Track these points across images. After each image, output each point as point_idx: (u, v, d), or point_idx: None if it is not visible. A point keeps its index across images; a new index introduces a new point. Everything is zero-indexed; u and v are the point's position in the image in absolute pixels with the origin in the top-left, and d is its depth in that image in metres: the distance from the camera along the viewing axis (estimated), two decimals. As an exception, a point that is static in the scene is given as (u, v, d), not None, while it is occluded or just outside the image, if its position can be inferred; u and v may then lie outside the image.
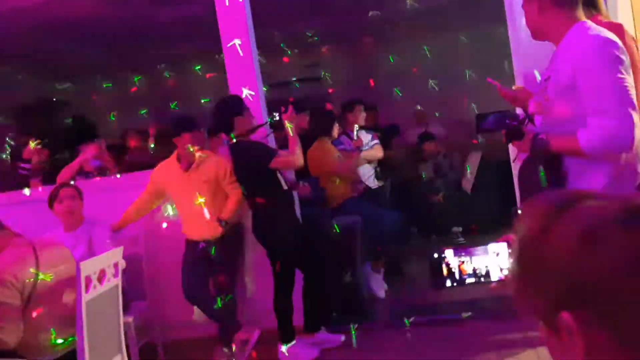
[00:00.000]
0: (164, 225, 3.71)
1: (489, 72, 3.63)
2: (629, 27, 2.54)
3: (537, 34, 1.98)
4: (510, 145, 2.06)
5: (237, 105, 3.23)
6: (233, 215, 3.37)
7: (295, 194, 3.45)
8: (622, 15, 2.76)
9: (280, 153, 3.15)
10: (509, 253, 1.02)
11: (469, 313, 3.35)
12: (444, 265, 0.93)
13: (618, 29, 2.06)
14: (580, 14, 1.92)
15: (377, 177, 4.49)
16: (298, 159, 3.15)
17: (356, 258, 3.83)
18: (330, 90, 7.26)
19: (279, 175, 3.21)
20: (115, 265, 2.79)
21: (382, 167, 4.59)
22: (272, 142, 3.51)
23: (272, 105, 7.78)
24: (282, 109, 3.22)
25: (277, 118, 3.22)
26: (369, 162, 4.48)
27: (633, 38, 2.18)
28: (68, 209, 3.31)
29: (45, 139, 4.38)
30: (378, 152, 4.50)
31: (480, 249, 0.96)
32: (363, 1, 6.08)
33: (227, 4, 3.59)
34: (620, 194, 0.73)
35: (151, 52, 6.51)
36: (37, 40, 5.52)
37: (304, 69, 7.68)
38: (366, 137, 4.55)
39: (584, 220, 0.64)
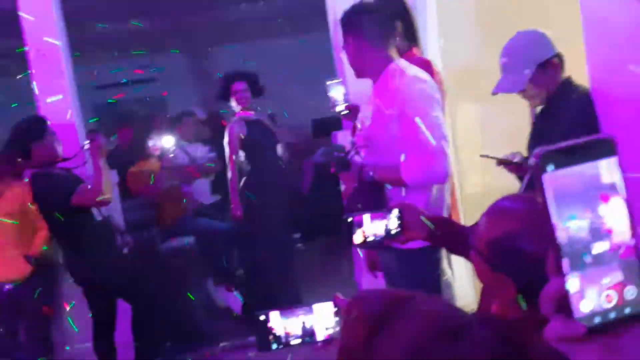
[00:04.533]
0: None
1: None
2: (436, 60, 2.71)
3: (358, 73, 2.11)
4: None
5: (36, 129, 2.85)
6: (43, 250, 3.01)
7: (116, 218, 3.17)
8: (431, 48, 2.94)
9: (81, 188, 2.83)
10: (335, 312, 1.05)
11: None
12: (269, 329, 0.91)
13: (427, 65, 2.21)
14: (393, 52, 2.06)
15: (214, 191, 4.34)
16: (101, 196, 2.82)
17: (190, 280, 3.68)
18: (164, 93, 6.93)
19: None
20: None
21: (220, 181, 4.43)
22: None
23: (103, 110, 7.17)
24: (89, 137, 2.90)
25: (87, 147, 2.87)
26: (205, 176, 4.32)
27: (439, 72, 2.34)
28: None
29: None
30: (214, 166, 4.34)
31: (304, 309, 0.95)
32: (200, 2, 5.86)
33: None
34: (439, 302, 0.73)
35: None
36: None
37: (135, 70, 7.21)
38: (202, 150, 4.38)
39: (407, 336, 0.63)
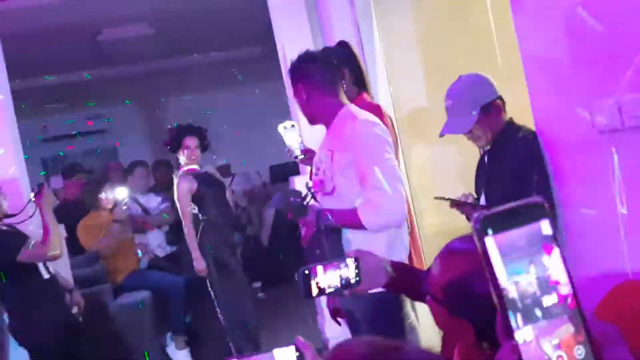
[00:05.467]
0: None
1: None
2: (387, 106, 2.76)
3: (311, 120, 2.13)
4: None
5: None
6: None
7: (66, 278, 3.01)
8: (382, 94, 3.01)
9: (29, 243, 2.70)
10: (297, 357, 0.99)
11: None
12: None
13: (377, 109, 2.25)
14: (343, 98, 2.09)
15: (169, 242, 4.22)
16: (52, 250, 2.71)
17: (144, 338, 3.51)
18: (117, 144, 6.80)
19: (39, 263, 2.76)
20: None
21: (174, 231, 4.31)
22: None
23: (51, 163, 6.92)
24: (34, 190, 2.79)
25: (32, 199, 2.75)
26: (159, 227, 4.20)
27: (390, 117, 2.39)
28: None
29: None
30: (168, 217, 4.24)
31: (266, 355, 0.89)
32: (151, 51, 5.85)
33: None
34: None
35: None
36: None
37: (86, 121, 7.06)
38: (155, 200, 4.27)
39: None
